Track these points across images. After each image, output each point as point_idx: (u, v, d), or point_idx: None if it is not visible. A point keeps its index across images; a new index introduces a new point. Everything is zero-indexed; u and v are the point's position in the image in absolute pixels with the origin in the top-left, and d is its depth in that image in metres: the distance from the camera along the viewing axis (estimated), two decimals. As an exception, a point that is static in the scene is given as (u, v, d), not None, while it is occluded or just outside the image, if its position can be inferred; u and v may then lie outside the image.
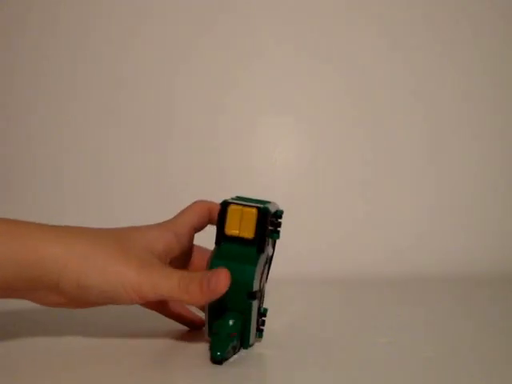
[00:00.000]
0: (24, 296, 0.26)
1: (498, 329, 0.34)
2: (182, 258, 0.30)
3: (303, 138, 0.59)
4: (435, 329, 0.34)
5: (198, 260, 0.31)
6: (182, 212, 0.30)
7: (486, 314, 0.38)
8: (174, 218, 0.30)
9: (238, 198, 0.28)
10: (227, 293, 0.25)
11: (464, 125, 0.59)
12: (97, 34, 0.59)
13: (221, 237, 0.27)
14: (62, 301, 0.26)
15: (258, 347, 0.29)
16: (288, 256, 0.53)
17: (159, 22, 0.59)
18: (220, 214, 0.27)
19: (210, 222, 0.31)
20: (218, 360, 0.25)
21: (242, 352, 0.27)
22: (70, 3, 0.58)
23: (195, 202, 0.31)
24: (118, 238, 0.26)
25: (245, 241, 0.27)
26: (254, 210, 0.27)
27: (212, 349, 0.26)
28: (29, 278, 0.24)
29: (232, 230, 0.27)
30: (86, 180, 0.57)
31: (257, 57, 0.59)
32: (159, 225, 0.29)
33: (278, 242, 0.31)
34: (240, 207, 0.27)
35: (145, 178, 0.57)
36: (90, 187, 0.57)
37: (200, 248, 0.32)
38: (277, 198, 0.55)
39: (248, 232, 0.27)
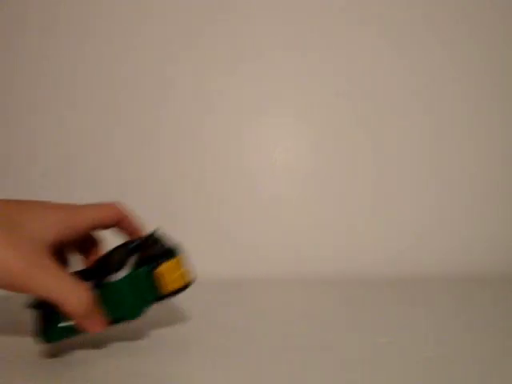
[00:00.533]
0: None
1: (498, 329, 0.34)
2: (75, 246, 0.30)
3: (303, 138, 0.59)
4: (435, 329, 0.34)
5: (93, 250, 0.31)
6: (89, 207, 0.29)
7: (486, 314, 0.38)
8: (78, 209, 0.28)
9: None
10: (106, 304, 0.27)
11: (464, 125, 0.59)
12: (96, 34, 0.59)
13: (148, 265, 0.28)
14: None
15: (255, 348, 0.29)
16: (288, 256, 0.53)
17: (159, 21, 0.58)
18: (167, 254, 0.28)
19: (118, 226, 0.30)
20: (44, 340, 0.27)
21: (244, 354, 0.27)
22: (70, 3, 0.58)
23: (109, 204, 0.29)
24: (8, 225, 0.25)
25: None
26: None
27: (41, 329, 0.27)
28: None
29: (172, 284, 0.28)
30: (85, 178, 0.57)
31: (257, 57, 0.59)
32: (57, 212, 0.27)
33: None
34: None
35: (144, 178, 0.57)
36: (89, 186, 0.57)
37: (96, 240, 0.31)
38: (277, 198, 0.55)
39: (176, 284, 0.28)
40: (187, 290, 0.29)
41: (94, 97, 0.58)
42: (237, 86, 0.59)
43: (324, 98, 0.59)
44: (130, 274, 0.27)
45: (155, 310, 0.30)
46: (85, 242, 0.30)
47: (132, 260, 0.28)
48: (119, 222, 0.29)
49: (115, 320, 0.27)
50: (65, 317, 0.26)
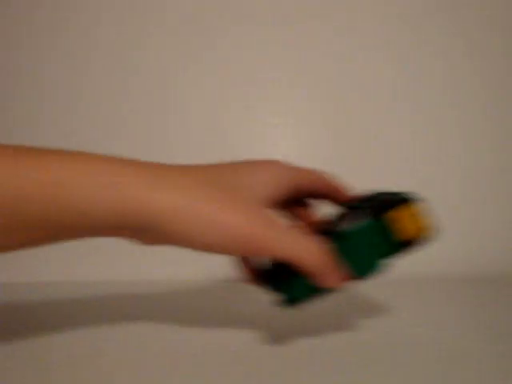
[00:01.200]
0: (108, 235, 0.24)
1: (499, 329, 0.34)
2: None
3: (303, 137, 0.59)
4: (435, 329, 0.34)
5: (303, 214, 0.30)
6: (306, 169, 0.29)
7: (487, 314, 0.38)
8: (300, 170, 0.28)
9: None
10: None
11: (464, 124, 0.59)
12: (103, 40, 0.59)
13: (381, 214, 0.26)
14: (151, 242, 0.24)
15: (258, 346, 0.29)
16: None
17: (170, 23, 0.58)
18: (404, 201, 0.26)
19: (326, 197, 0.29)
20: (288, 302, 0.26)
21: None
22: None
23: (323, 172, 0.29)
24: (227, 186, 0.25)
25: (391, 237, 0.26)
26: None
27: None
28: (127, 226, 0.23)
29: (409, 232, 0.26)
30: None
31: (258, 57, 0.59)
32: (273, 168, 0.28)
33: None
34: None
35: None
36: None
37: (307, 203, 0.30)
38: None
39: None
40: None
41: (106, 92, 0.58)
42: (237, 86, 0.59)
43: (325, 98, 0.58)
44: (366, 223, 0.25)
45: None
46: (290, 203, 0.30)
47: (361, 212, 0.26)
48: (330, 192, 0.29)
49: (358, 273, 0.26)
50: (302, 275, 0.25)
